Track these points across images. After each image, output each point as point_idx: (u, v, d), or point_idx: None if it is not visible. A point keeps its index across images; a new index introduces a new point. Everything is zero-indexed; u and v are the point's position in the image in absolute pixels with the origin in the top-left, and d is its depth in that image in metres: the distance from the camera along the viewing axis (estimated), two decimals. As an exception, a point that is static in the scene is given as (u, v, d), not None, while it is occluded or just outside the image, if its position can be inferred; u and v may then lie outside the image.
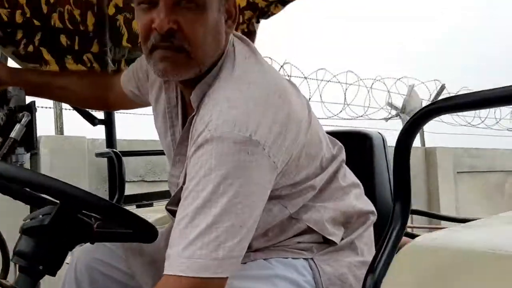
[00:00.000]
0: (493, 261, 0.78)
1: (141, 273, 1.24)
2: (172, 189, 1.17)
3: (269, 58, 4.26)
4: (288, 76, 4.30)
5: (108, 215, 0.94)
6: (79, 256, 1.26)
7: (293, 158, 1.06)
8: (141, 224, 0.99)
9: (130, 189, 3.36)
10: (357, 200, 1.25)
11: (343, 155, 1.28)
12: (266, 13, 2.42)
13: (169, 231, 1.21)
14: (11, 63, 1.85)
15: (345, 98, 5.13)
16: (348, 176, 1.28)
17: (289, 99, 1.06)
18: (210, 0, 1.00)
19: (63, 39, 1.95)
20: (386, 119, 5.72)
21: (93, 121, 2.03)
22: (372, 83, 5.36)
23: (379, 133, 1.50)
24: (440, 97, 5.49)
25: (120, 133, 3.49)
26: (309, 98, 4.54)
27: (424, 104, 5.53)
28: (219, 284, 0.89)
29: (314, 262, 1.13)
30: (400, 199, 0.88)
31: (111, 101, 1.52)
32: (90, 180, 3.16)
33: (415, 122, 0.81)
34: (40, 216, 0.96)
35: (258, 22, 2.49)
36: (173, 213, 1.04)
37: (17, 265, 0.97)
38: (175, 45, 0.98)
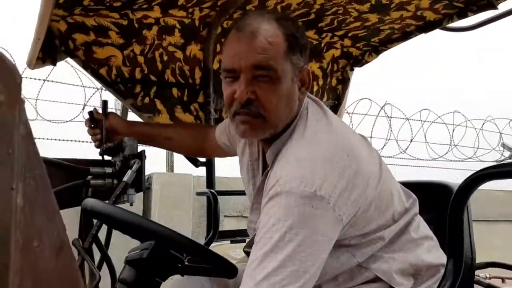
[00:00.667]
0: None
1: None
2: (250, 233, 1.32)
3: (369, 99, 4.30)
4: (389, 117, 4.30)
5: (193, 253, 1.11)
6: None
7: (361, 211, 1.15)
8: (221, 262, 1.15)
9: (229, 223, 3.61)
10: (429, 253, 1.29)
11: (416, 208, 1.34)
12: (360, 62, 2.53)
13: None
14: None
15: (451, 139, 4.96)
16: (422, 229, 1.33)
17: (358, 156, 1.16)
18: (284, 73, 1.16)
19: (174, 91, 2.22)
20: (498, 162, 5.40)
21: (195, 163, 2.26)
22: (483, 124, 5.12)
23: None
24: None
25: (225, 171, 3.76)
26: (411, 140, 4.48)
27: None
28: None
29: None
30: (452, 255, 0.93)
31: (207, 150, 1.75)
32: (194, 212, 3.44)
33: (469, 184, 0.88)
34: (140, 250, 1.17)
35: (352, 70, 2.60)
36: (249, 254, 1.18)
37: (121, 290, 1.18)
38: (252, 112, 1.16)
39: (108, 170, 1.54)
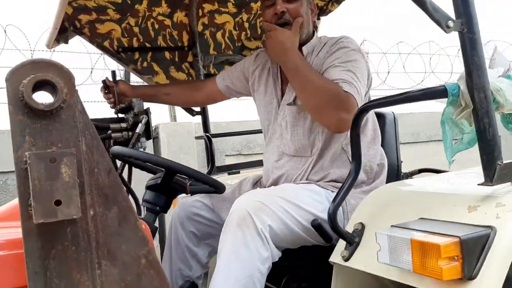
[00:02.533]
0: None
1: (225, 213, 1.83)
2: (285, 103, 1.87)
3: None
4: (366, 53, 4.67)
5: (191, 176, 1.59)
6: (180, 208, 1.95)
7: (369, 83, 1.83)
8: (212, 181, 1.64)
9: (229, 160, 4.12)
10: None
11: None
12: (325, 11, 2.88)
13: (239, 185, 1.87)
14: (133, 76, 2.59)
15: (428, 67, 5.32)
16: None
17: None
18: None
19: (167, 54, 2.64)
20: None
21: (192, 112, 2.70)
22: (458, 50, 5.46)
23: (392, 112, 1.98)
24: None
25: (222, 116, 4.21)
26: (388, 72, 4.87)
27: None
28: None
29: None
30: (355, 161, 1.37)
31: (199, 99, 2.29)
32: (198, 154, 3.94)
33: (358, 113, 1.33)
34: (156, 178, 1.65)
35: (318, 19, 2.96)
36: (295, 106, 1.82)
37: (145, 207, 1.67)
38: (286, 20, 1.78)
39: (124, 125, 2.00)
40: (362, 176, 1.73)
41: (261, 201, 1.48)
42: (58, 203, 0.97)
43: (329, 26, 2.93)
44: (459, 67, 5.63)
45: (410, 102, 1.30)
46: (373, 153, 1.79)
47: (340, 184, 1.65)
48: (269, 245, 1.46)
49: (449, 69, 5.35)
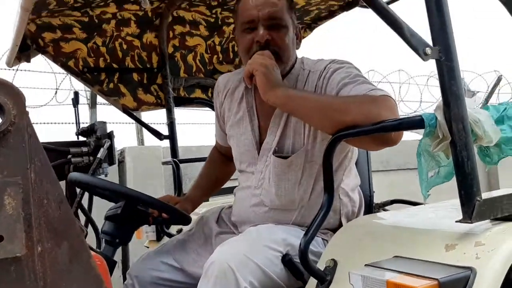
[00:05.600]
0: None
1: (193, 266, 1.65)
2: (265, 153, 1.60)
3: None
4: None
5: (154, 207, 1.50)
6: (137, 272, 1.68)
7: None
8: (176, 212, 1.54)
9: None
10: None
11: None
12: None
13: (202, 226, 1.73)
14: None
15: (398, 95, 5.40)
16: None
17: None
18: (289, 24, 1.55)
19: (135, 75, 2.55)
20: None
21: (159, 136, 2.61)
22: (428, 79, 5.58)
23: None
24: (497, 89, 5.57)
25: (192, 140, 4.11)
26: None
27: (481, 95, 5.64)
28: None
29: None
30: (327, 192, 1.30)
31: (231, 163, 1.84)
32: (166, 179, 3.82)
33: (330, 144, 1.27)
34: (116, 208, 1.55)
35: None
36: (280, 157, 1.55)
37: (103, 240, 1.56)
38: (270, 50, 1.49)
39: (85, 149, 1.89)
40: (340, 206, 1.60)
41: (246, 255, 1.32)
42: (0, 239, 0.87)
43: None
44: (428, 96, 5.79)
45: (386, 131, 1.26)
46: (348, 182, 1.65)
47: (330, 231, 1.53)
48: None
49: (418, 97, 5.44)
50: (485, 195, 1.09)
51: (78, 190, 1.81)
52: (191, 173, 3.98)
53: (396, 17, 1.07)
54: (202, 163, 2.10)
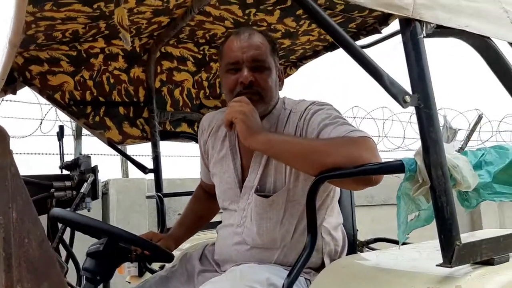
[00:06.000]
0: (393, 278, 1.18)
1: None
2: (246, 191, 1.61)
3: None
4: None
5: (136, 244, 1.48)
6: None
7: None
8: (158, 249, 1.53)
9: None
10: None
11: None
12: (283, 74, 2.93)
13: (185, 263, 1.72)
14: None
15: (382, 131, 5.49)
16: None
17: None
18: (272, 66, 1.60)
19: (121, 109, 2.56)
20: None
21: (144, 170, 2.61)
22: (410, 116, 5.68)
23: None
24: (478, 127, 5.68)
25: (178, 173, 4.10)
26: (344, 134, 4.96)
27: (463, 132, 5.75)
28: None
29: None
30: (311, 232, 1.31)
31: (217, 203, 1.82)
32: (150, 213, 3.79)
33: (313, 185, 1.28)
34: (98, 245, 1.53)
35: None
36: (262, 196, 1.55)
37: (84, 276, 1.54)
38: (254, 90, 1.55)
39: (68, 183, 1.88)
40: (323, 245, 1.60)
41: None
42: (-22, 279, 0.86)
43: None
44: (411, 133, 5.90)
45: (367, 175, 1.28)
46: (330, 220, 1.65)
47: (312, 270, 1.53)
48: None
49: (402, 134, 5.53)
50: (466, 236, 1.11)
51: (60, 224, 1.79)
52: (175, 206, 3.97)
53: (377, 67, 1.10)
54: (187, 197, 2.10)
